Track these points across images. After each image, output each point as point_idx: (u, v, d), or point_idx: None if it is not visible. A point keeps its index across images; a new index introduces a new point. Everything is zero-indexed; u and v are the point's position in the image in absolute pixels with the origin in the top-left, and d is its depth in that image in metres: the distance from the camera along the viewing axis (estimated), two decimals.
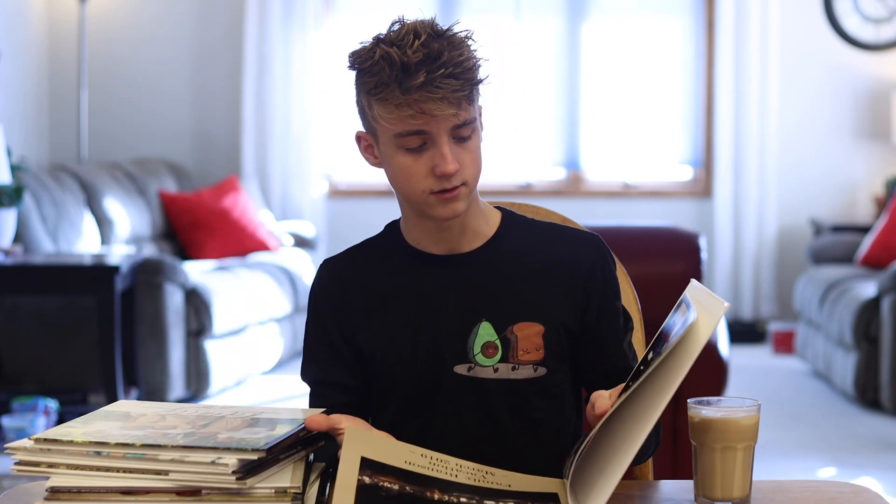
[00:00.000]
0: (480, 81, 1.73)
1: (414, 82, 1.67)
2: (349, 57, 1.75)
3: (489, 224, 1.84)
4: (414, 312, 1.81)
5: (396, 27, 1.73)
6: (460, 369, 1.79)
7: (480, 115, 1.80)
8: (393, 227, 1.88)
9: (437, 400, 1.80)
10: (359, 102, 1.76)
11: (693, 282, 1.60)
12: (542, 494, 1.57)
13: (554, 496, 1.57)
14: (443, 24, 1.74)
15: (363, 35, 1.77)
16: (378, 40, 1.72)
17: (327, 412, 1.68)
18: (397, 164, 1.74)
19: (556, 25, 7.36)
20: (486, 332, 1.78)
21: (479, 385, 1.79)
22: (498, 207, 1.89)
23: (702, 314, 1.52)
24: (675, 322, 1.54)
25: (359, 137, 1.80)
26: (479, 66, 1.73)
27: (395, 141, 1.73)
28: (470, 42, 1.73)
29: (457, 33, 1.73)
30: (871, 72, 7.25)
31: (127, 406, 1.69)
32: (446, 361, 1.79)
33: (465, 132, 1.73)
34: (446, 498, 1.52)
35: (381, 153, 1.78)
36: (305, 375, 1.88)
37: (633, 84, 7.36)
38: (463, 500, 1.53)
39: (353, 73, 1.76)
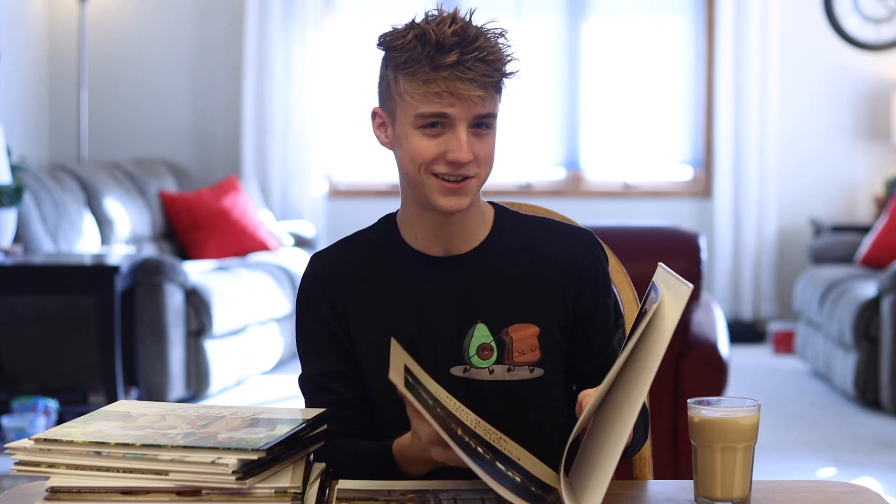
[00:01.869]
0: (510, 74, 1.73)
1: (445, 60, 1.68)
2: (380, 37, 1.75)
3: (485, 224, 1.83)
4: (409, 314, 1.80)
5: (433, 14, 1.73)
6: (456, 371, 1.79)
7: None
8: (388, 220, 1.86)
9: None
10: (383, 78, 1.76)
11: (661, 265, 1.61)
12: (545, 484, 1.57)
13: (554, 490, 1.57)
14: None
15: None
16: (413, 23, 1.73)
17: (325, 413, 1.67)
18: (411, 145, 1.73)
19: (556, 25, 7.36)
20: (481, 333, 1.78)
21: (474, 386, 1.79)
22: (490, 202, 1.87)
23: (667, 296, 1.52)
24: (647, 309, 1.55)
25: (374, 114, 1.79)
26: (509, 61, 1.73)
27: (413, 121, 1.72)
28: (503, 40, 1.74)
29: (492, 29, 1.74)
30: (871, 72, 7.25)
31: (126, 406, 1.69)
32: (442, 363, 1.79)
33: (486, 122, 1.73)
34: (466, 439, 1.52)
35: (394, 133, 1.76)
36: (308, 370, 1.84)
37: (632, 84, 7.36)
38: (479, 449, 1.53)
39: (379, 55, 1.76)
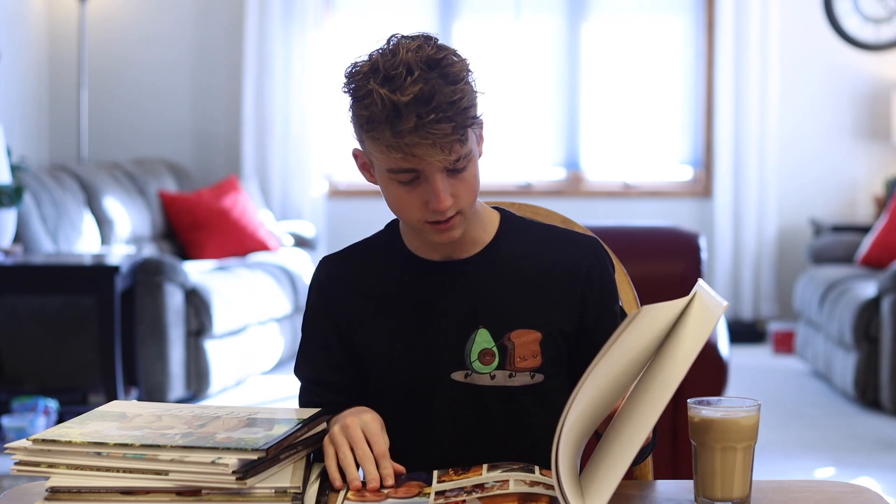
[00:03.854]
0: (475, 121, 1.68)
1: (404, 126, 1.63)
2: (345, 76, 1.70)
3: (487, 230, 1.83)
4: (411, 319, 1.80)
5: (392, 45, 1.67)
6: (457, 376, 1.78)
7: (482, 127, 1.76)
8: (393, 226, 1.87)
9: (433, 406, 1.79)
10: (353, 127, 1.73)
11: (700, 281, 1.61)
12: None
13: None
14: (440, 29, 1.71)
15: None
16: (371, 72, 1.66)
17: (322, 412, 1.69)
18: (391, 194, 1.73)
19: (556, 25, 7.36)
20: (483, 339, 1.78)
21: (475, 392, 1.78)
22: (496, 208, 1.87)
23: (700, 310, 1.52)
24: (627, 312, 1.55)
25: (355, 155, 1.78)
26: (474, 103, 1.68)
27: (387, 174, 1.71)
28: (466, 73, 1.68)
29: (454, 62, 1.67)
30: (871, 72, 7.25)
31: (122, 406, 1.69)
32: (443, 368, 1.78)
33: (459, 165, 1.69)
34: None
35: (376, 176, 1.76)
36: (299, 372, 1.87)
37: (632, 84, 7.36)
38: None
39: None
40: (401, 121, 1.63)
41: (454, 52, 1.69)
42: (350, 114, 1.71)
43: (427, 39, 1.69)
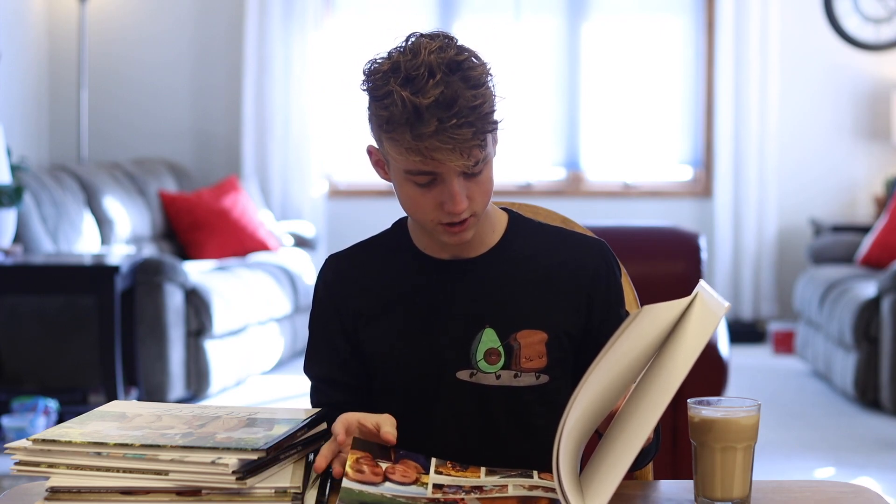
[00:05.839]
0: (495, 126, 1.67)
1: (425, 129, 1.62)
2: (364, 73, 1.69)
3: (495, 230, 1.83)
4: (417, 317, 1.80)
5: (413, 44, 1.66)
6: (462, 375, 1.78)
7: (498, 130, 1.74)
8: (401, 224, 1.86)
9: (437, 404, 1.79)
10: (371, 124, 1.72)
11: (701, 281, 1.61)
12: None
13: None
14: (447, 27, 1.70)
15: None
16: (391, 71, 1.65)
17: (322, 412, 1.68)
18: (405, 194, 1.72)
19: (556, 25, 7.36)
20: (489, 338, 1.77)
21: (480, 391, 1.78)
22: (504, 209, 1.87)
23: (701, 310, 1.52)
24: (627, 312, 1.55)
25: (370, 152, 1.77)
26: (494, 108, 1.67)
27: (403, 174, 1.70)
28: (487, 77, 1.66)
29: (475, 65, 1.66)
30: (871, 72, 7.25)
31: (122, 406, 1.69)
32: (448, 367, 1.78)
33: (476, 169, 1.68)
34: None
35: (391, 175, 1.75)
36: (308, 371, 1.87)
37: (632, 84, 7.36)
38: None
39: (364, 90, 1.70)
40: (421, 124, 1.62)
41: (475, 55, 1.68)
42: (368, 112, 1.70)
43: (448, 40, 1.67)
